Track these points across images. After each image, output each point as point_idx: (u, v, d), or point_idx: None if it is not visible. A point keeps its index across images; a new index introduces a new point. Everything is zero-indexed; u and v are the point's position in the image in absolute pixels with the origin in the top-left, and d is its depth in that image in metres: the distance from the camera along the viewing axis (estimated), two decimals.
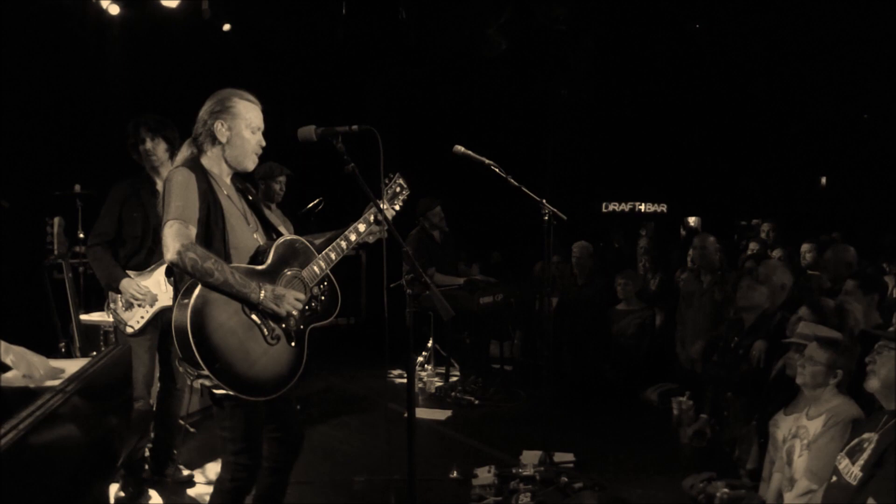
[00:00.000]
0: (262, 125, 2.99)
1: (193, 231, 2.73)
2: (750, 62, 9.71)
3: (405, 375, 3.11)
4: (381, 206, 3.11)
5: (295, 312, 2.84)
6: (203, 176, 2.85)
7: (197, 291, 2.66)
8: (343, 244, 3.07)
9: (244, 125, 2.92)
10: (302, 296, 2.87)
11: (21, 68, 6.18)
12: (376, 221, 3.11)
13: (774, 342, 4.60)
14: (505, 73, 9.43)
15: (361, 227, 3.13)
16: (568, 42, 9.31)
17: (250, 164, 2.99)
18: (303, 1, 7.82)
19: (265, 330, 2.79)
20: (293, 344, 2.88)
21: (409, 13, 7.57)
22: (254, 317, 2.77)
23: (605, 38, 9.40)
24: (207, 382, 2.69)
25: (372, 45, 8.60)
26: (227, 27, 7.75)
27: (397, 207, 3.36)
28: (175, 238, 2.66)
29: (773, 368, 4.44)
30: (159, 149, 4.15)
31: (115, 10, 6.90)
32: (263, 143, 3.00)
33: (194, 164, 2.87)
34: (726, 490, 4.03)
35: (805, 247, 6.42)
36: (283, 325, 2.85)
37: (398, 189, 3.36)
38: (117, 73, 7.04)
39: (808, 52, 9.29)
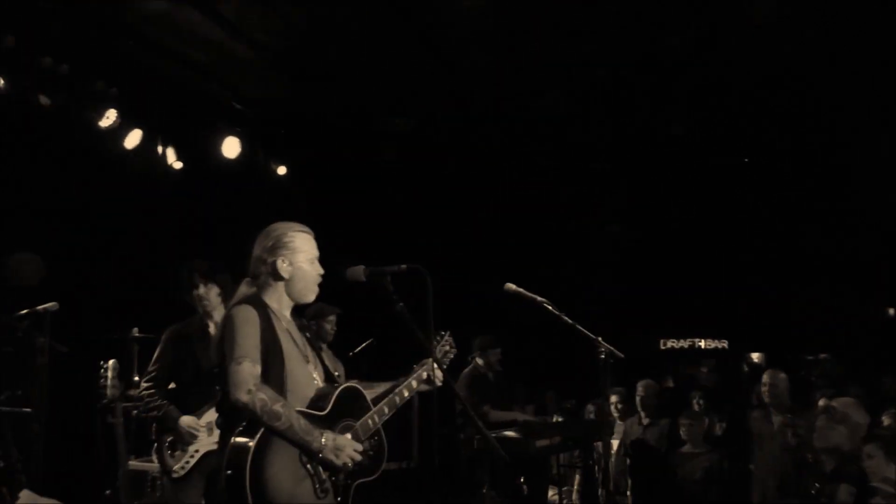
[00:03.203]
0: (317, 253, 2.99)
1: (259, 370, 2.67)
2: (805, 193, 9.62)
3: None
4: (435, 354, 3.06)
5: (351, 465, 2.73)
6: (264, 312, 2.81)
7: (260, 434, 2.56)
8: (396, 399, 3.02)
9: (304, 258, 2.92)
10: (360, 447, 2.77)
11: (83, 216, 6.46)
12: (428, 380, 3.09)
13: (861, 487, 4.26)
14: (557, 209, 9.52)
15: (414, 384, 3.09)
16: (614, 177, 9.41)
17: (312, 295, 2.99)
18: (355, 143, 8.13)
19: (316, 482, 2.67)
20: (339, 499, 2.75)
21: (457, 160, 7.81)
22: (308, 466, 2.66)
23: (655, 172, 9.46)
24: None
25: (423, 187, 8.82)
26: (282, 171, 8.06)
27: (444, 367, 3.28)
28: (246, 376, 2.60)
29: None
30: (211, 293, 4.21)
31: (178, 165, 7.27)
32: (322, 272, 2.99)
33: (255, 301, 2.84)
34: None
35: (888, 379, 6.05)
36: (333, 479, 2.73)
37: (448, 348, 3.34)
38: (176, 220, 7.29)
39: (865, 179, 9.17)
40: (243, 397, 2.57)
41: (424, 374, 3.08)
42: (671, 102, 7.48)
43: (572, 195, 9.60)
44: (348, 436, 2.78)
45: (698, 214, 10.37)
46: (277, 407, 2.58)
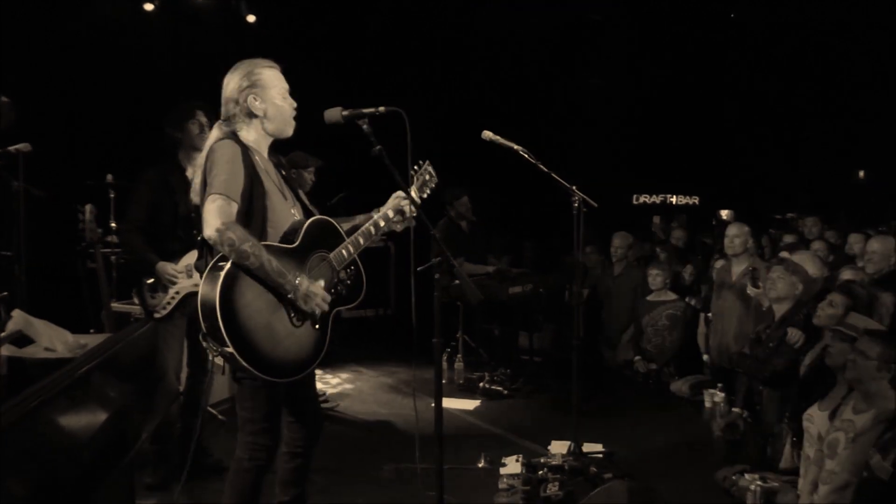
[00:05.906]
0: (287, 87, 2.94)
1: (236, 208, 2.67)
2: (786, 52, 9.53)
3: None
4: (410, 192, 3.05)
5: (319, 312, 2.78)
6: (245, 150, 2.80)
7: (228, 266, 2.60)
8: (371, 229, 3.03)
9: (276, 93, 2.88)
10: (329, 297, 2.81)
11: (55, 61, 6.25)
12: (402, 212, 3.07)
13: (807, 333, 4.50)
14: (537, 60, 9.34)
15: (390, 213, 3.09)
16: (601, 32, 9.20)
17: (289, 129, 2.96)
18: None
19: (291, 311, 2.74)
20: (317, 327, 2.84)
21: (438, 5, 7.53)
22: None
23: (639, 27, 9.27)
24: (229, 359, 2.64)
25: (402, 31, 8.56)
26: (251, 18, 7.80)
27: (425, 196, 3.30)
28: (217, 214, 2.61)
29: (803, 360, 4.34)
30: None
31: (149, 6, 7.02)
32: (295, 104, 2.96)
33: (236, 138, 2.82)
34: (759, 483, 3.95)
35: (853, 237, 6.22)
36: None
37: (427, 177, 3.30)
38: (148, 65, 7.08)
39: (846, 43, 9.08)
40: (212, 234, 2.59)
41: (400, 204, 3.08)
42: None
43: (557, 47, 9.39)
44: (321, 283, 2.82)
45: (676, 72, 10.26)
46: (246, 247, 2.58)
